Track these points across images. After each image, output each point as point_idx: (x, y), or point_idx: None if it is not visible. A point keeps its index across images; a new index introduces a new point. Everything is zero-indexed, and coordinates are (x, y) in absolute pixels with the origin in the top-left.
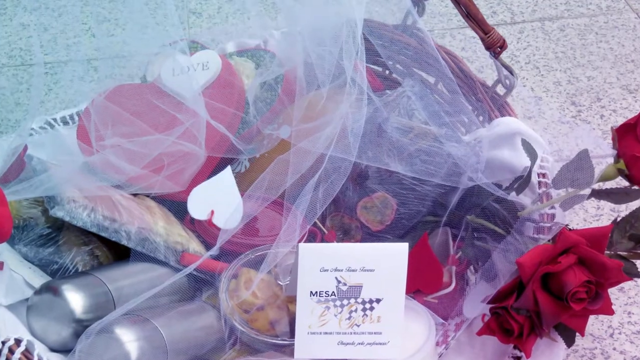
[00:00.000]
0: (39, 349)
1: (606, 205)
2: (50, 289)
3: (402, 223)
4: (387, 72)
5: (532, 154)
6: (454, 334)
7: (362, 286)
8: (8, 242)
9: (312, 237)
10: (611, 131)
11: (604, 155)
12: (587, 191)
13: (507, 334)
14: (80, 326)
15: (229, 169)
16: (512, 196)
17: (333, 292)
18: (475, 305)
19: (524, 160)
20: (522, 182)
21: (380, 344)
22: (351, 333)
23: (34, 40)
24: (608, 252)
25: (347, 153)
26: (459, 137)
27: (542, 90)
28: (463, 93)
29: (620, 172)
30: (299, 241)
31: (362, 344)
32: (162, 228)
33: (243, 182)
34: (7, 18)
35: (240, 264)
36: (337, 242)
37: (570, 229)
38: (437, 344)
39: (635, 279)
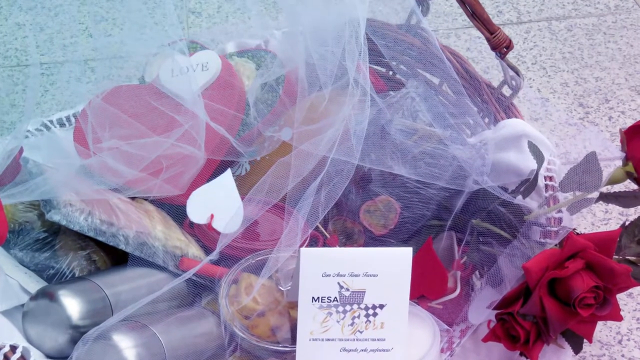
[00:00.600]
0: (35, 355)
1: (614, 209)
2: (46, 295)
3: (406, 227)
4: (390, 72)
5: (538, 156)
6: (459, 341)
7: (365, 292)
8: (3, 247)
9: (314, 241)
10: (620, 133)
11: (612, 158)
12: (595, 194)
13: (513, 340)
14: (77, 332)
15: (229, 171)
16: (519, 200)
17: (335, 297)
18: (481, 311)
19: (530, 163)
20: (528, 185)
21: (384, 350)
22: (354, 339)
23: (29, 40)
24: (616, 256)
25: (350, 156)
26: (464, 139)
27: (549, 91)
28: (468, 94)
29: (628, 175)
30: (301, 246)
31: (365, 350)
32: (161, 232)
33: (243, 185)
34: (2, 17)
35: (241, 269)
36: (340, 246)
37: (577, 233)
38: (442, 350)
39: None
